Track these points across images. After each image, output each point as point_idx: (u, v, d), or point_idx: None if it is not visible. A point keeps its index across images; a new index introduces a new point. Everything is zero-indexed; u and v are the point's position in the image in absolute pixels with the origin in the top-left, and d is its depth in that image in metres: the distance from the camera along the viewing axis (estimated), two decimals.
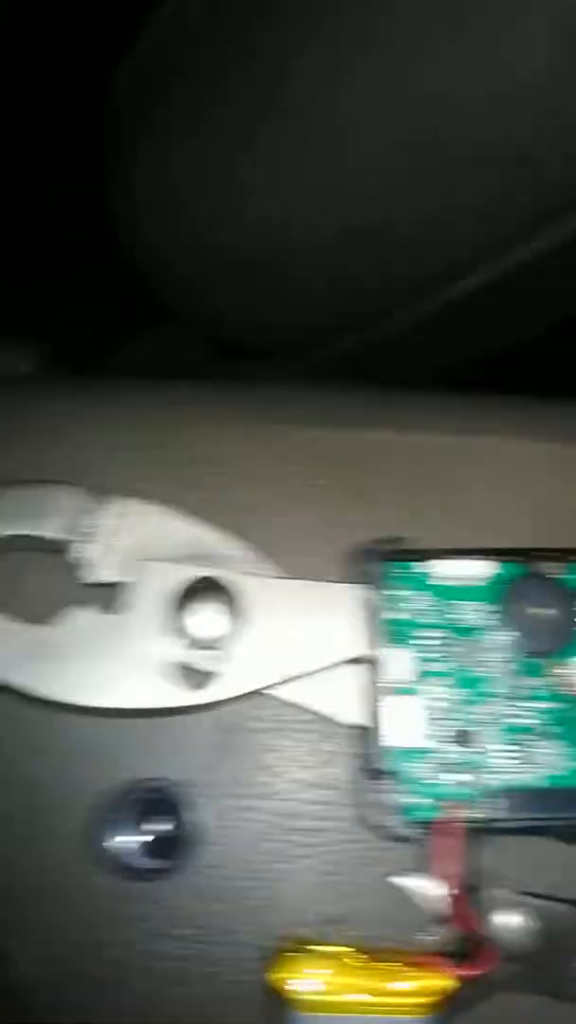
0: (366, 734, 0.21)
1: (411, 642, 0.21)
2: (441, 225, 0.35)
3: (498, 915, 0.22)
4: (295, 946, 0.21)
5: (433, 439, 0.26)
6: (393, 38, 0.31)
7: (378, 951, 0.21)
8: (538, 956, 0.22)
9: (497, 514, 0.25)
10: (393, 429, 0.26)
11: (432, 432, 0.26)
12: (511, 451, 0.26)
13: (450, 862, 0.19)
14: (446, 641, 0.21)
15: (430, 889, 0.20)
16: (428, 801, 0.20)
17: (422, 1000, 0.20)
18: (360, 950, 0.21)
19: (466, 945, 0.20)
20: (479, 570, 0.21)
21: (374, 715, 0.20)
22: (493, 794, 0.20)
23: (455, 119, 0.31)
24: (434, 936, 0.22)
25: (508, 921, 0.22)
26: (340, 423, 0.26)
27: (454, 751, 0.20)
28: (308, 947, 0.21)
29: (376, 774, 0.20)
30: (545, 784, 0.20)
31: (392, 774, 0.20)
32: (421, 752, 0.20)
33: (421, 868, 0.21)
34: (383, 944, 0.22)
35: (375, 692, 0.21)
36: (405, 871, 0.22)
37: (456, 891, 0.20)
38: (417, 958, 0.20)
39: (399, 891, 0.22)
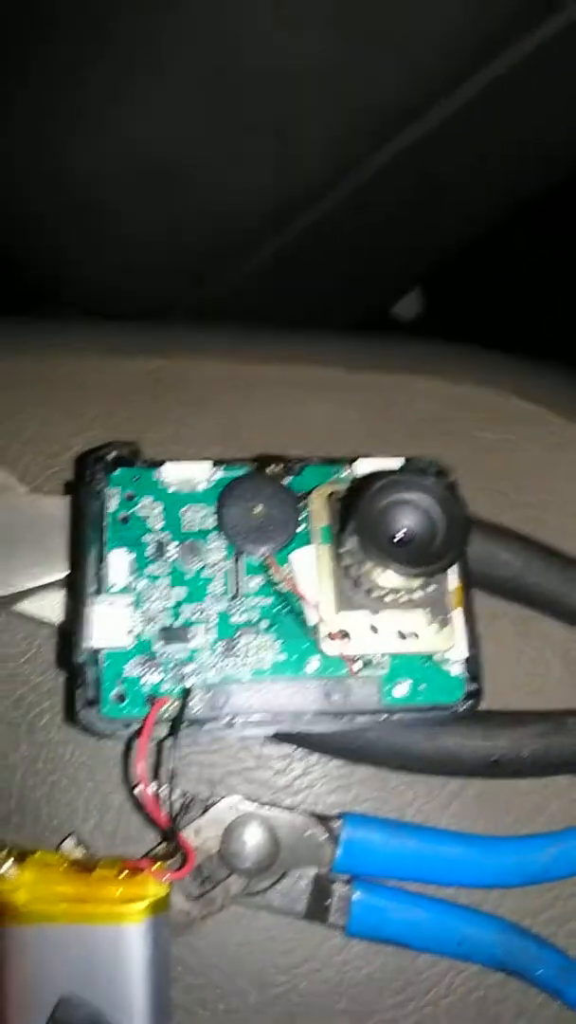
0: (70, 633, 0.20)
1: (129, 544, 0.20)
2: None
3: (230, 824, 0.22)
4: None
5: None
6: None
7: (92, 861, 0.21)
8: (274, 870, 0.22)
9: (253, 433, 0.25)
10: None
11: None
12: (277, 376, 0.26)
13: (142, 760, 0.19)
14: (165, 542, 0.21)
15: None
16: (130, 697, 0.20)
17: (132, 906, 0.19)
18: (71, 861, 0.21)
19: (172, 848, 0.20)
20: (201, 473, 0.21)
21: (80, 615, 0.20)
22: (204, 689, 0.20)
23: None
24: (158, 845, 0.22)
25: (240, 831, 0.22)
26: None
27: (164, 649, 0.20)
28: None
29: (78, 671, 0.20)
30: (250, 678, 0.20)
31: (96, 670, 0.20)
32: (130, 651, 0.20)
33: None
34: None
35: (83, 594, 0.20)
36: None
37: (145, 788, 0.19)
38: (127, 864, 0.20)
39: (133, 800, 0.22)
